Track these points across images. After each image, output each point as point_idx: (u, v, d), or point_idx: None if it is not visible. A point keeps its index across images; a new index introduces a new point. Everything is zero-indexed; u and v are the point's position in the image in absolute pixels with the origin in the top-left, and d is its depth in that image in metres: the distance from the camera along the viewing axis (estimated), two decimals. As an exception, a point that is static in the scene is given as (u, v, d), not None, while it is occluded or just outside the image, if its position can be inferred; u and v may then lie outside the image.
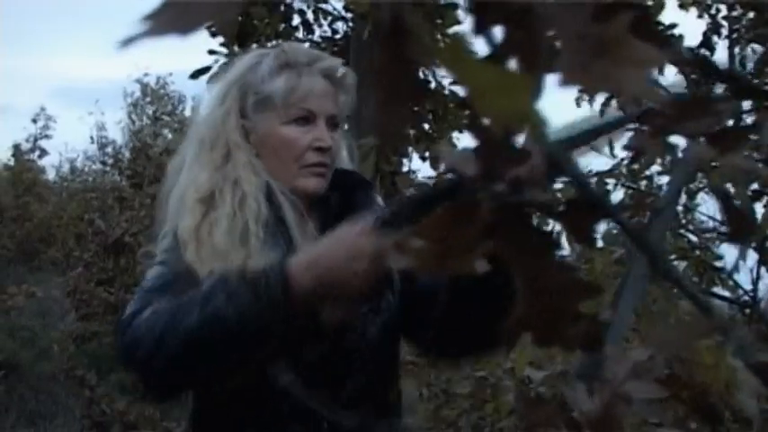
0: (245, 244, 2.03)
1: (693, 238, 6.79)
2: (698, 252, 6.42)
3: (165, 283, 1.98)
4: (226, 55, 7.63)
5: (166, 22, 0.48)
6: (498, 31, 0.54)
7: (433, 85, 6.70)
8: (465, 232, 0.65)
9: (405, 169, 6.47)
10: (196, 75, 7.81)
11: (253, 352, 1.87)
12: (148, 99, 20.01)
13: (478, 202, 0.64)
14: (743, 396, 1.15)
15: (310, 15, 8.07)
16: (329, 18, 8.08)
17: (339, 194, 2.19)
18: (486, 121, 0.60)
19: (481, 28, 0.53)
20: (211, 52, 7.80)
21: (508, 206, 0.63)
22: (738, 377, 1.08)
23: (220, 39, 7.74)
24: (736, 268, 5.01)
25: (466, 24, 0.55)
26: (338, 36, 8.07)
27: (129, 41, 0.48)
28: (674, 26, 5.26)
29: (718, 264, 6.47)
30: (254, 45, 7.69)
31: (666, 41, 0.58)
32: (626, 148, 0.86)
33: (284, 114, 2.13)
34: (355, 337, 2.08)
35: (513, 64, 0.54)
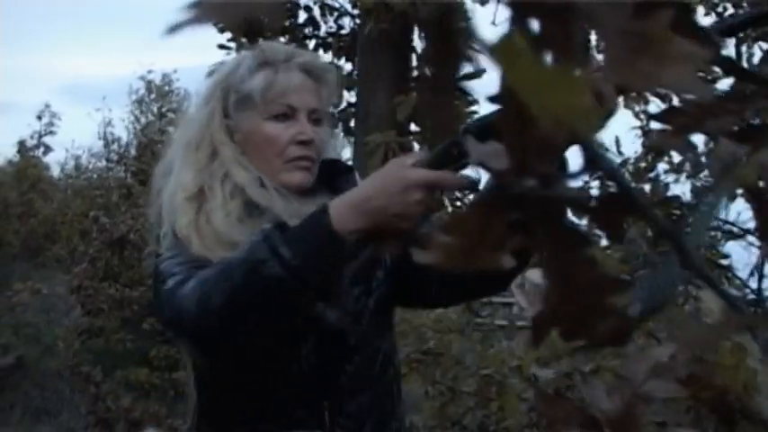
0: (245, 220, 2.05)
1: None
2: (704, 250, 6.41)
3: (194, 259, 1.99)
4: (235, 50, 7.66)
5: (211, 8, 0.47)
6: (535, 26, 0.54)
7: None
8: (494, 228, 0.65)
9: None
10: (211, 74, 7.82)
11: (296, 303, 1.85)
12: (153, 96, 20.02)
13: (508, 196, 0.63)
14: (761, 398, 1.15)
15: (316, 11, 8.08)
16: (335, 14, 8.09)
17: (325, 185, 2.21)
18: (518, 118, 0.60)
19: (518, 23, 0.53)
20: (221, 47, 7.83)
21: (539, 201, 0.63)
22: (758, 379, 1.08)
23: (228, 35, 7.76)
24: (758, 269, 4.98)
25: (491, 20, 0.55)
26: (344, 32, 8.08)
27: (174, 29, 0.47)
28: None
29: (723, 262, 6.46)
30: (261, 40, 7.70)
31: (707, 38, 0.58)
32: (647, 146, 0.85)
33: (265, 111, 2.16)
34: (350, 322, 2.11)
35: (548, 59, 0.54)
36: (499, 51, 0.48)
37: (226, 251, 1.96)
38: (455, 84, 0.52)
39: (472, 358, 5.51)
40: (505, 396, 4.91)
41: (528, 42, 0.52)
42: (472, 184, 1.78)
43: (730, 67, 0.76)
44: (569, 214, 0.63)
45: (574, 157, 0.60)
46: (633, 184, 6.24)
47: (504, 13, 0.54)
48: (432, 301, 2.35)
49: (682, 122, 0.80)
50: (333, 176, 2.22)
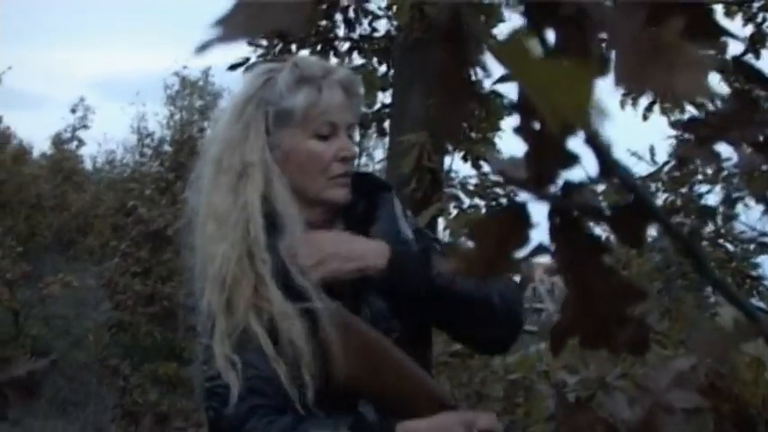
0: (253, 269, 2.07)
1: (731, 248, 6.74)
2: (735, 263, 6.39)
3: (245, 386, 2.03)
4: (265, 47, 7.67)
5: (238, 25, 0.48)
6: (551, 33, 0.54)
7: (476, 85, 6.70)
8: (516, 236, 0.65)
9: (445, 168, 6.47)
10: (235, 67, 7.85)
11: None
12: (187, 92, 20.08)
13: (528, 206, 0.64)
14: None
15: (352, 13, 8.07)
16: (370, 16, 8.08)
17: (365, 200, 2.23)
18: (537, 125, 0.60)
19: (534, 29, 0.53)
20: (251, 44, 7.84)
21: (558, 210, 0.63)
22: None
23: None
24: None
25: (510, 23, 0.55)
26: (377, 35, 8.07)
27: (203, 48, 0.48)
28: (728, 34, 5.21)
29: (755, 273, 6.43)
30: (293, 45, 7.73)
31: (725, 34, 0.58)
32: (671, 156, 0.86)
33: (308, 128, 2.14)
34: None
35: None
36: (505, 50, 0.49)
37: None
38: (467, 85, 0.53)
39: (500, 363, 5.50)
40: (533, 401, 4.90)
41: (537, 44, 0.52)
42: None
43: (747, 72, 0.75)
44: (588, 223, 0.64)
45: (590, 165, 0.60)
46: (666, 194, 6.22)
47: (518, 21, 0.54)
48: (469, 341, 2.43)
49: (706, 132, 0.80)
50: (370, 191, 2.24)
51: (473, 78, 0.56)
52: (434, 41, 0.51)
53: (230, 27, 0.48)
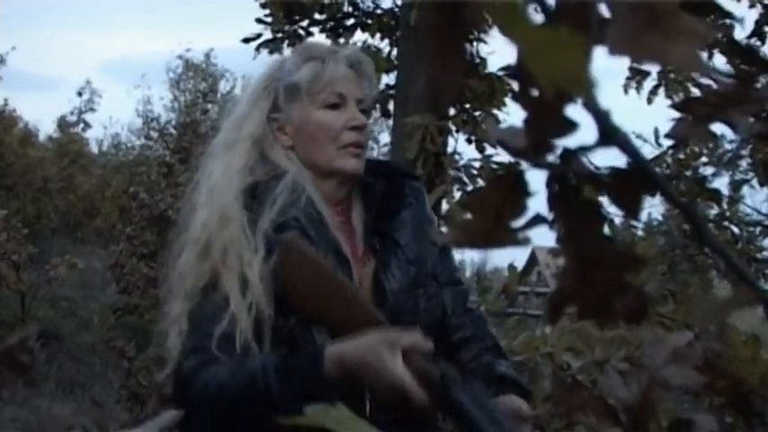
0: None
1: (737, 230, 6.73)
2: (740, 245, 6.39)
3: (216, 312, 2.05)
4: (272, 25, 7.67)
5: None
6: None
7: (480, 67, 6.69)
8: (512, 205, 0.65)
9: (449, 150, 6.47)
10: (248, 40, 7.86)
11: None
12: (191, 74, 20.10)
13: (526, 173, 0.64)
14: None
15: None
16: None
17: (385, 183, 2.26)
18: (535, 92, 0.60)
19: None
20: (259, 21, 7.84)
21: (556, 178, 0.63)
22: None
23: (268, 10, 7.79)
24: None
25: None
26: (380, 12, 8.05)
27: None
28: (729, 15, 5.18)
29: (759, 256, 6.42)
30: (298, 17, 7.73)
31: (720, 12, 0.58)
32: (668, 136, 0.85)
33: (316, 100, 2.20)
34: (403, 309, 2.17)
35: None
36: (500, 13, 0.48)
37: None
38: (461, 48, 0.52)
39: (505, 345, 5.50)
40: (538, 383, 4.90)
41: (536, 7, 0.52)
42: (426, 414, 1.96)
43: (746, 54, 0.75)
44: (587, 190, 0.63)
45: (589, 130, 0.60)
46: (673, 174, 6.20)
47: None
48: None
49: (703, 112, 0.79)
50: (394, 177, 2.29)
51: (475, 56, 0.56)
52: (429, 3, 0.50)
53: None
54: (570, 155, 0.61)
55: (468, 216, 0.66)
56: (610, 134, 0.55)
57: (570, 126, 0.59)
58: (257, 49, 7.87)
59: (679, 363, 1.00)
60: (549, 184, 0.63)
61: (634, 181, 0.59)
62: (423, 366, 1.86)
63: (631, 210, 0.62)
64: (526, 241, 0.67)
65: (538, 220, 0.66)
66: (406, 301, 2.16)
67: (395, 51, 7.63)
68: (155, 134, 18.28)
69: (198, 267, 2.09)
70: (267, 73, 2.28)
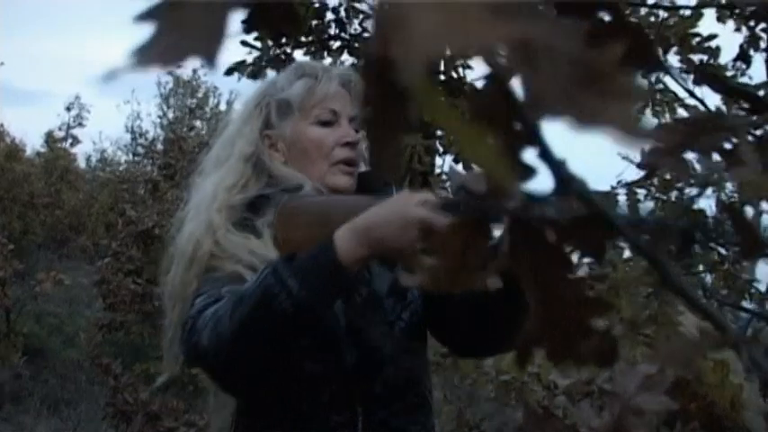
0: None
1: (723, 251, 6.74)
2: (727, 265, 6.39)
3: (222, 278, 2.03)
4: (259, 49, 7.67)
5: (154, 54, 0.48)
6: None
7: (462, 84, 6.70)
8: (477, 249, 0.65)
9: (437, 170, 6.47)
10: (230, 71, 7.85)
11: (300, 330, 1.88)
12: (181, 91, 20.09)
13: (489, 218, 0.64)
14: (749, 413, 1.14)
15: (343, 13, 8.08)
16: (360, 17, 8.09)
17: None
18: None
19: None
20: (244, 44, 7.84)
21: (519, 222, 0.63)
22: (744, 396, 1.08)
23: (255, 33, 7.79)
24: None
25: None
26: (368, 35, 8.08)
27: (112, 75, 0.48)
28: (713, 37, 5.20)
29: (746, 276, 6.42)
30: (285, 39, 7.72)
31: (660, 60, 0.58)
32: (639, 165, 0.86)
33: (309, 116, 2.21)
34: (385, 331, 2.13)
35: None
36: (422, 97, 0.48)
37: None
38: (401, 122, 0.52)
39: (492, 364, 5.50)
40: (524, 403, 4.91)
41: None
42: None
43: (721, 85, 0.75)
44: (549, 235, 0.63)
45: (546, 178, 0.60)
46: (660, 197, 6.20)
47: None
48: (448, 343, 2.32)
49: (675, 140, 0.79)
50: (373, 190, 2.25)
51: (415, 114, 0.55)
52: (364, 73, 0.50)
53: (146, 56, 0.48)
54: (531, 200, 0.61)
55: (433, 261, 0.66)
56: (566, 182, 0.55)
57: (528, 172, 0.59)
58: (240, 74, 7.87)
59: (650, 389, 1.00)
60: (511, 230, 0.63)
61: (596, 228, 0.60)
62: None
63: (596, 255, 0.62)
64: (495, 284, 0.67)
65: (501, 263, 0.66)
66: (390, 314, 2.15)
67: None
68: (142, 150, 18.28)
69: (187, 276, 2.08)
70: (259, 90, 2.30)
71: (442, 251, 0.65)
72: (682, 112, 5.50)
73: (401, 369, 2.14)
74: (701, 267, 5.95)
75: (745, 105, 0.88)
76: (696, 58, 5.07)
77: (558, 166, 0.54)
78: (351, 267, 1.84)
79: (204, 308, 1.94)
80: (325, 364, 2.05)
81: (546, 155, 0.54)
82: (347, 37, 7.97)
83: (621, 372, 0.97)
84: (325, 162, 2.19)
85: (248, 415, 2.13)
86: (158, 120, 19.65)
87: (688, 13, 5.12)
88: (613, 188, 5.55)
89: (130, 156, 19.56)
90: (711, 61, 5.12)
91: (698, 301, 0.68)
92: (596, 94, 0.47)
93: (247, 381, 1.93)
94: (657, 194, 6.00)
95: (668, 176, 6.30)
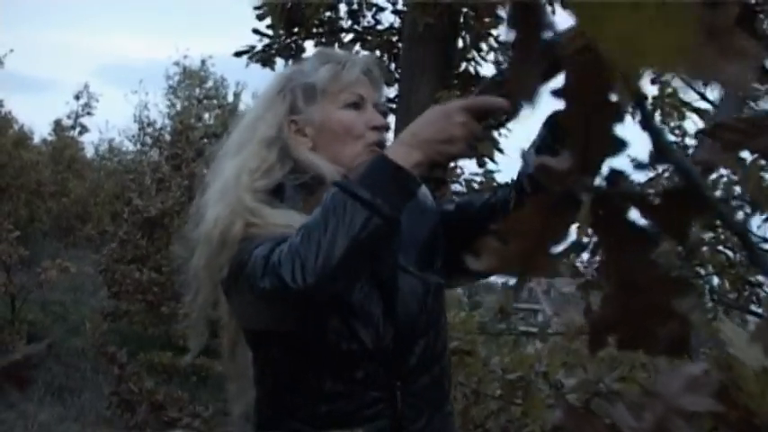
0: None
1: (731, 254, 6.72)
2: (736, 270, 6.36)
3: (270, 237, 2.00)
4: (270, 37, 7.66)
5: None
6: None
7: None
8: (555, 229, 0.62)
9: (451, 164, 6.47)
10: (239, 54, 7.84)
11: (382, 241, 1.94)
12: (188, 81, 20.10)
13: (569, 195, 0.61)
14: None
15: (356, 5, 8.08)
16: (373, 9, 8.08)
17: None
18: (583, 111, 0.58)
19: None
20: (256, 32, 7.83)
21: (603, 199, 0.60)
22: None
23: (267, 21, 7.78)
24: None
25: None
26: (381, 27, 8.06)
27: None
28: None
29: (755, 280, 6.40)
30: (297, 29, 7.72)
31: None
32: (695, 162, 0.83)
33: (337, 100, 2.20)
34: (416, 306, 2.15)
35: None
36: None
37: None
38: (540, 48, 0.51)
39: (498, 362, 5.48)
40: (530, 401, 4.88)
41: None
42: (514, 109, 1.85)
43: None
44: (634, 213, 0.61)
45: (642, 148, 0.58)
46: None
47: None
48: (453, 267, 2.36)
49: (732, 138, 0.77)
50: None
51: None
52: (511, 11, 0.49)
53: None
54: (618, 176, 0.59)
55: (505, 242, 0.63)
56: (664, 152, 0.53)
57: (620, 145, 0.57)
58: (250, 59, 7.86)
59: (695, 391, 0.98)
60: (593, 207, 0.61)
61: (685, 203, 0.57)
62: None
63: (678, 234, 0.60)
64: (566, 269, 0.65)
65: (577, 247, 0.64)
66: (423, 287, 2.17)
67: (392, 65, 7.63)
68: (150, 140, 18.28)
69: (217, 261, 2.05)
70: (282, 77, 2.30)
71: (516, 231, 0.62)
72: (692, 117, 5.47)
73: (432, 341, 2.17)
74: (710, 269, 5.94)
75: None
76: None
77: (658, 135, 0.52)
78: (411, 173, 1.91)
79: (271, 250, 1.93)
80: (360, 344, 2.05)
81: (647, 124, 0.52)
82: (360, 29, 7.97)
83: (664, 371, 0.95)
84: (358, 144, 2.18)
85: (276, 399, 2.12)
86: (166, 110, 19.67)
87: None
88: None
89: (138, 145, 19.57)
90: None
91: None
92: (715, 49, 0.46)
93: (344, 288, 1.98)
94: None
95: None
